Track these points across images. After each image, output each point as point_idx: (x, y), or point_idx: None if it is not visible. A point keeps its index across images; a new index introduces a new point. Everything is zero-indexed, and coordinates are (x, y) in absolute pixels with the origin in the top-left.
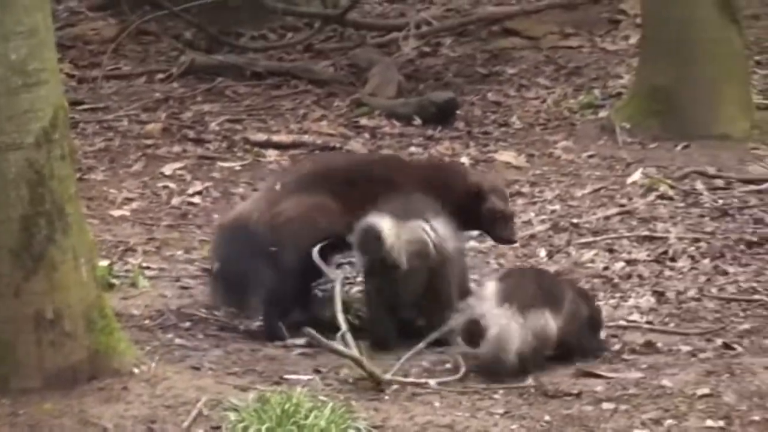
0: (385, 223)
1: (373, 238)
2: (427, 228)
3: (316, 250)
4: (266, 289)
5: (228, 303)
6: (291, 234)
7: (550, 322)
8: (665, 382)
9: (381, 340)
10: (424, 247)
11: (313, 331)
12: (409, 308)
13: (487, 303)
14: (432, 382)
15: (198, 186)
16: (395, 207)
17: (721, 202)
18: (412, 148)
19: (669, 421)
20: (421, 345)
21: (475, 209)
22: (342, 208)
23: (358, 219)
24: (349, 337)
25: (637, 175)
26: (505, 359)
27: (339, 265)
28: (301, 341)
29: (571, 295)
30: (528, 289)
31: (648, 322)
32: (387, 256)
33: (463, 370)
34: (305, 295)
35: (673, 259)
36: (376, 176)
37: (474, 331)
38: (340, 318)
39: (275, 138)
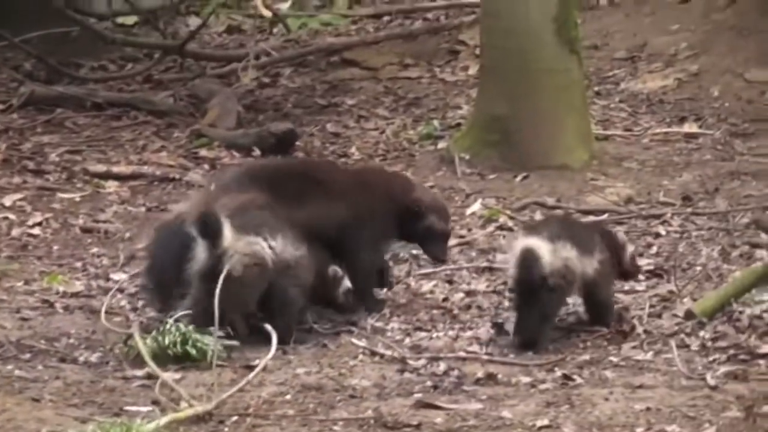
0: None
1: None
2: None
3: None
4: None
5: (160, 298)
6: None
7: (575, 259)
8: (505, 413)
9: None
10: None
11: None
12: None
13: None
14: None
15: (38, 217)
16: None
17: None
18: None
19: None
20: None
21: (413, 224)
22: (274, 204)
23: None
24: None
25: (476, 206)
26: (534, 274)
27: None
28: (141, 372)
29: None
30: (555, 226)
31: (488, 353)
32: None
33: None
34: None
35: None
36: (310, 177)
37: None
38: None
39: (115, 169)
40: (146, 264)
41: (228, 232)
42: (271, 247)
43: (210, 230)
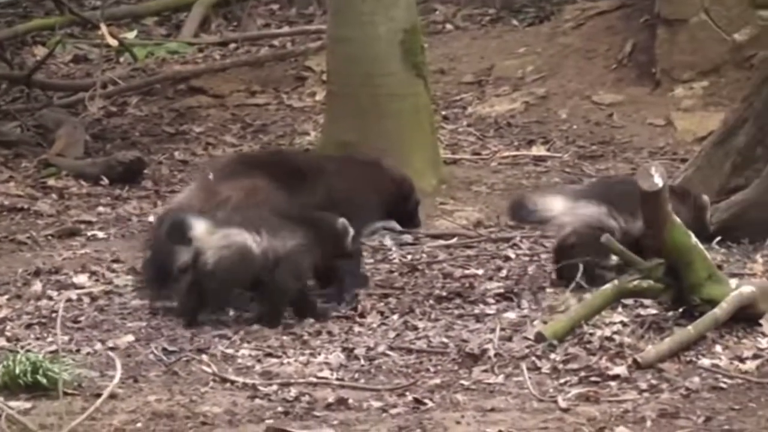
0: None
1: None
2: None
3: None
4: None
5: (159, 286)
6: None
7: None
8: None
9: None
10: None
11: None
12: None
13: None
14: None
15: None
16: None
17: (410, 257)
18: (101, 208)
19: None
20: None
21: (402, 201)
22: (273, 189)
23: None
24: None
25: None
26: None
27: None
28: None
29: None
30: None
31: (338, 379)
32: None
33: None
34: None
35: (362, 315)
36: (305, 165)
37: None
38: None
39: None
40: (146, 253)
41: (199, 230)
42: (255, 240)
43: (177, 233)
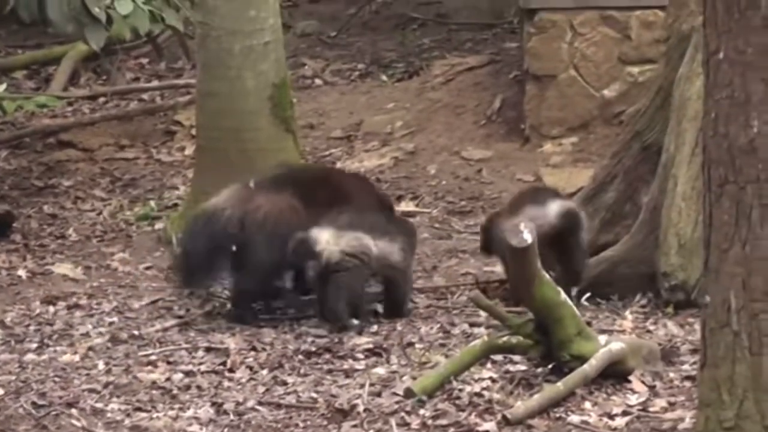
0: None
1: None
2: None
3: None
4: (238, 278)
5: (189, 284)
6: (266, 228)
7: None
8: None
9: None
10: None
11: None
12: None
13: None
14: None
15: None
16: None
17: (278, 312)
18: None
19: None
20: None
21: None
22: (305, 209)
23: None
24: None
25: None
26: None
27: None
28: None
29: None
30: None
31: None
32: None
33: None
34: (271, 287)
35: (231, 370)
36: (335, 184)
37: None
38: None
39: None
40: (179, 250)
41: (323, 241)
42: (375, 244)
43: (303, 251)
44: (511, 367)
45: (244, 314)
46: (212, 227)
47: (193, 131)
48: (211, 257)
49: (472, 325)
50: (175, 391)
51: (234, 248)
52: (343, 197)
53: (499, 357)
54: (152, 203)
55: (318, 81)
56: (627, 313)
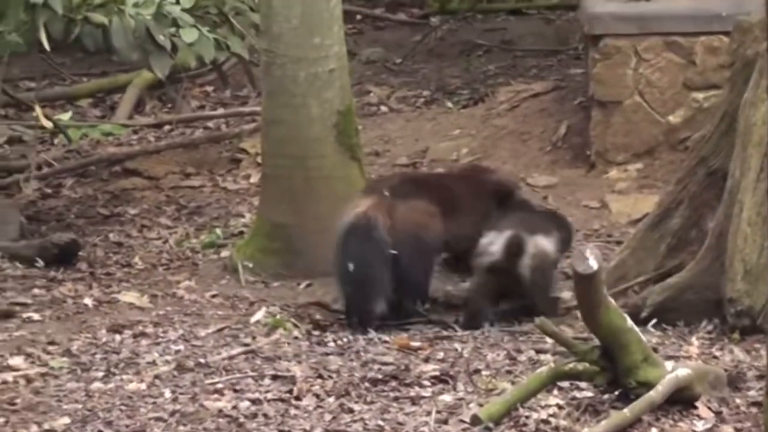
0: None
1: None
2: None
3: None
4: (399, 287)
5: (359, 303)
6: (414, 236)
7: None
8: None
9: None
10: None
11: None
12: None
13: None
14: None
15: None
16: None
17: (345, 340)
18: (36, 290)
19: None
20: None
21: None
22: (441, 213)
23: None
24: None
25: (260, 314)
26: None
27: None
28: None
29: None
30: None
31: None
32: None
33: None
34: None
35: (298, 398)
36: (463, 188)
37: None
38: None
39: None
40: (340, 268)
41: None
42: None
43: (515, 249)
44: (577, 394)
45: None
46: (370, 238)
47: (259, 159)
48: (378, 269)
49: (538, 351)
50: (241, 420)
51: (392, 253)
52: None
53: (565, 384)
54: (218, 231)
55: (383, 108)
56: (693, 339)
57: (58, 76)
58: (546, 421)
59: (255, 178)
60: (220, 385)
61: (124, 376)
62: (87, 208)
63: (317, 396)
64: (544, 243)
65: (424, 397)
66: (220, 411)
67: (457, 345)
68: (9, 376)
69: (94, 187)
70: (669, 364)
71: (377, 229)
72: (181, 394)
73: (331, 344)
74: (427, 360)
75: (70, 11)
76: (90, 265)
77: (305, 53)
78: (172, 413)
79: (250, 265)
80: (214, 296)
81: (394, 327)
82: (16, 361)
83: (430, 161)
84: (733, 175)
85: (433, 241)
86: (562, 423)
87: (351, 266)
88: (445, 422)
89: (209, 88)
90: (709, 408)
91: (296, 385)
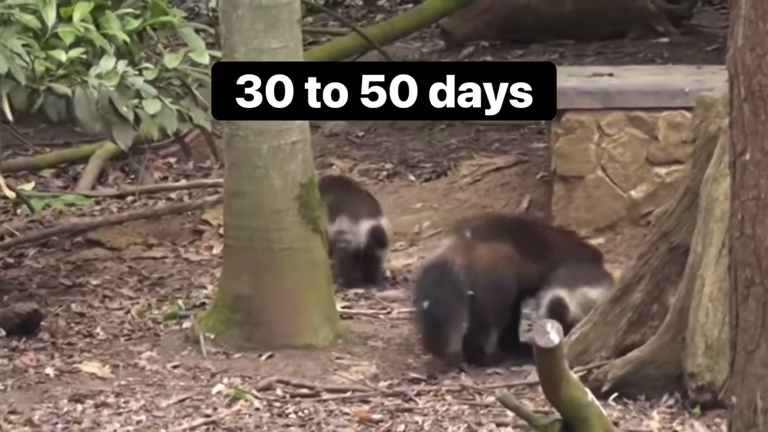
0: None
1: None
2: None
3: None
4: (470, 329)
5: (433, 341)
6: (490, 278)
7: None
8: None
9: None
10: None
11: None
12: None
13: None
14: None
15: None
16: None
17: (306, 412)
18: None
19: None
20: None
21: None
22: (521, 257)
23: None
24: None
25: (221, 386)
26: None
27: None
28: None
29: None
30: None
31: None
32: None
33: None
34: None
35: None
36: (540, 233)
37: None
38: None
39: None
40: (420, 307)
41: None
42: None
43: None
44: None
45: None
46: (447, 277)
47: (221, 230)
48: (453, 308)
49: (499, 425)
50: None
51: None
52: (552, 248)
53: None
54: (180, 302)
55: None
56: (654, 413)
57: (21, 147)
58: None
59: (217, 250)
60: None
61: None
62: (49, 278)
63: None
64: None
65: None
66: None
67: (417, 418)
68: None
69: (57, 257)
70: None
71: (453, 269)
72: None
73: (292, 416)
74: None
75: (33, 81)
76: (52, 335)
77: (268, 125)
78: None
79: (212, 337)
80: (175, 367)
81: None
82: None
83: (392, 234)
84: (695, 251)
85: (509, 282)
86: None
87: (426, 304)
88: None
89: (172, 160)
90: None
91: None
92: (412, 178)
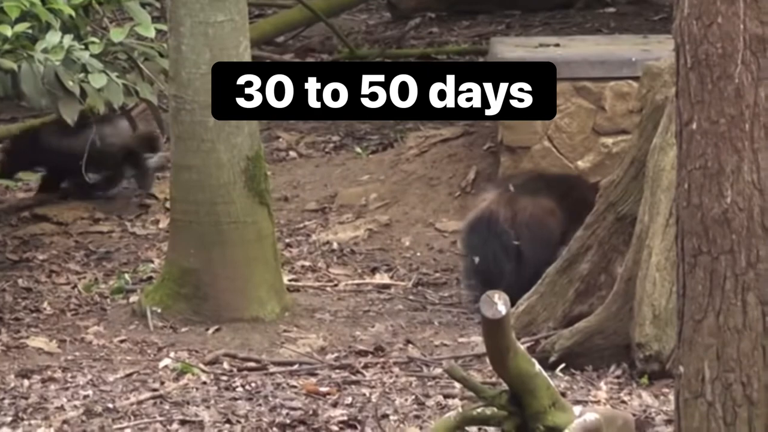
0: None
1: None
2: None
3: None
4: (516, 281)
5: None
6: (534, 231)
7: None
8: None
9: None
10: None
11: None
12: None
13: None
14: None
15: None
16: None
17: (254, 385)
18: None
19: None
20: None
21: None
22: (562, 212)
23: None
24: None
25: (168, 360)
26: None
27: None
28: None
29: None
30: None
31: None
32: None
33: None
34: None
35: None
36: (578, 191)
37: None
38: None
39: None
40: (468, 262)
41: None
42: None
43: None
44: None
45: None
46: (494, 228)
47: (168, 204)
48: (499, 257)
49: (446, 396)
50: None
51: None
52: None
53: (473, 429)
54: (127, 276)
55: (292, 153)
56: (601, 383)
57: None
58: None
59: (164, 224)
60: (128, 431)
61: (33, 422)
62: None
63: None
64: None
65: None
66: None
67: (365, 390)
68: None
69: (3, 232)
70: (577, 409)
71: (498, 221)
72: None
73: (240, 389)
74: (335, 405)
75: None
76: None
77: None
78: None
79: (159, 311)
80: (122, 341)
81: None
82: None
83: (338, 206)
84: (642, 220)
85: (552, 235)
86: None
87: (476, 260)
88: None
89: None
90: None
91: (204, 431)
92: (358, 150)
